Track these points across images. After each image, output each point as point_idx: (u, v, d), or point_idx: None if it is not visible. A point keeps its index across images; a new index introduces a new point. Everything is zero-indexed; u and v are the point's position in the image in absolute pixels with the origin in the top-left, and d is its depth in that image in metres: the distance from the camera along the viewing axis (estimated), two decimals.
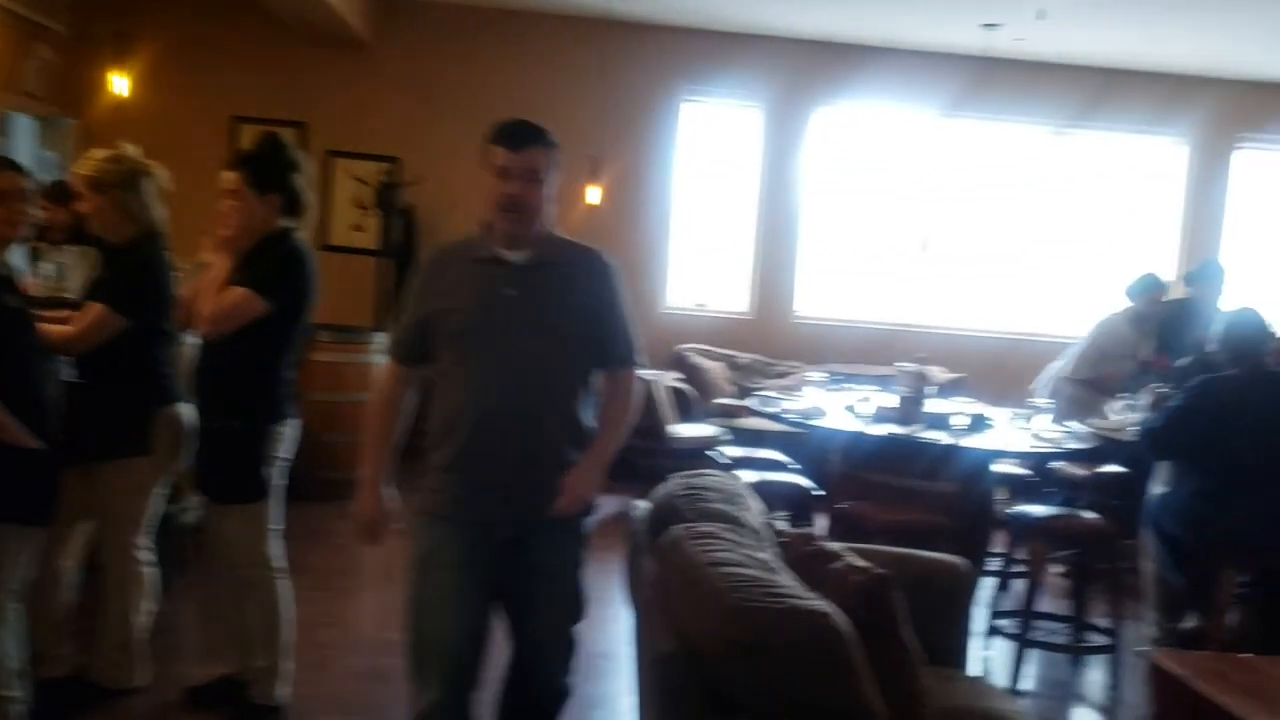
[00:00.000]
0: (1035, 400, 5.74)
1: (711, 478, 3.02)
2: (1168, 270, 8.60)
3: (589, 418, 2.82)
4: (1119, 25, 7.30)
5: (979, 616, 4.61)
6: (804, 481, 4.84)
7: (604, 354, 2.83)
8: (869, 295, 8.75)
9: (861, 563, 2.48)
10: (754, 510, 2.90)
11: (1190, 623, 4.58)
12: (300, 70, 7.96)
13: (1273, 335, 4.47)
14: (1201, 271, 6.57)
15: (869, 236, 8.75)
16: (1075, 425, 5.18)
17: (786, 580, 2.17)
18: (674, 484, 2.86)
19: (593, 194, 7.89)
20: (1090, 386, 6.18)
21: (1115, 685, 4.42)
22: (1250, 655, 3.01)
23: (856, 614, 2.21)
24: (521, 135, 2.67)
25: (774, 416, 5.01)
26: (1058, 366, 6.52)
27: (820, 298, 8.67)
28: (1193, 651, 3.71)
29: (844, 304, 8.70)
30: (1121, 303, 6.42)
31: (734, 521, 2.63)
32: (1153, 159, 8.87)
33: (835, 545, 2.76)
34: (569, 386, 2.77)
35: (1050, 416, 5.25)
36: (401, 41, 8.03)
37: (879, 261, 8.75)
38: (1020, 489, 5.54)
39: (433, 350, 2.78)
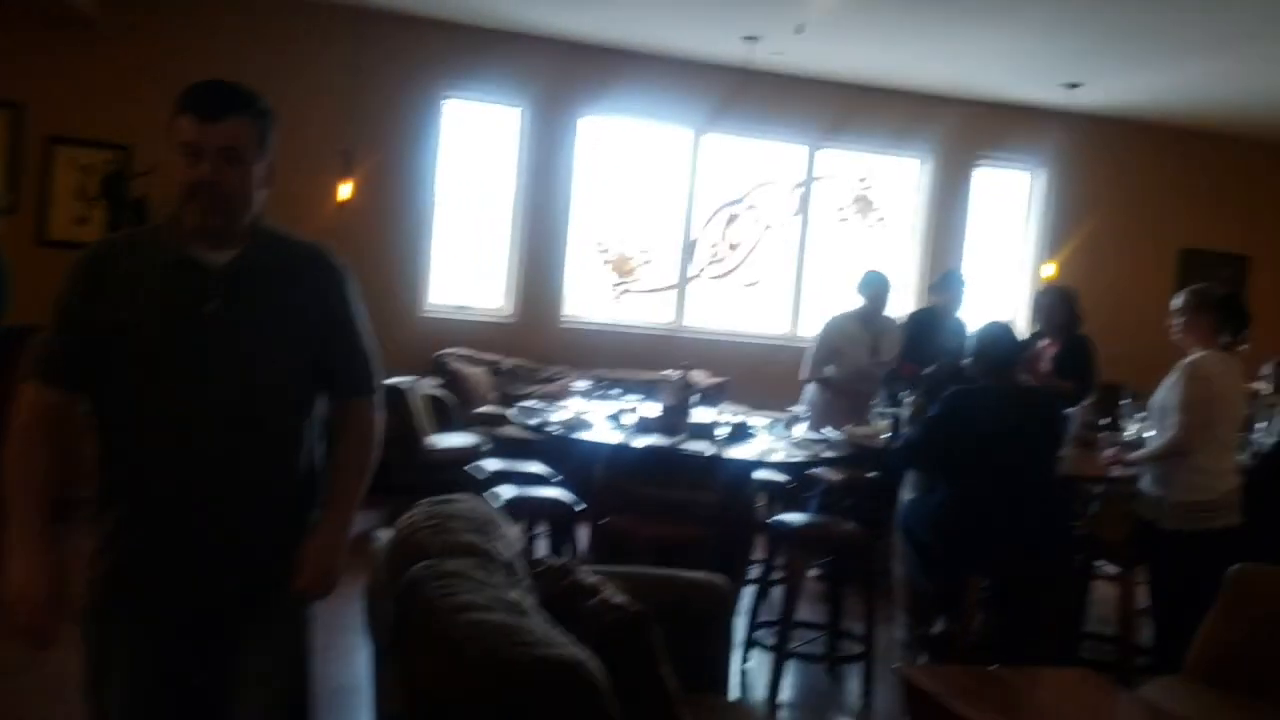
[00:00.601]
0: (794, 408, 5.81)
1: (461, 504, 2.80)
2: (910, 281, 9.04)
3: (317, 461, 2.30)
4: (871, 42, 7.55)
5: (739, 627, 4.62)
6: (566, 496, 4.68)
7: (335, 381, 2.28)
8: (637, 299, 8.73)
9: (618, 598, 2.33)
10: (508, 539, 2.70)
11: (939, 626, 4.72)
12: (16, 47, 7.16)
13: (1023, 349, 4.65)
14: (944, 282, 6.84)
15: (638, 242, 8.73)
16: (831, 432, 5.25)
17: (536, 625, 1.99)
18: (419, 512, 2.62)
19: (344, 190, 7.49)
20: (836, 391, 6.26)
21: (869, 693, 4.48)
22: (999, 668, 3.07)
23: (612, 655, 2.06)
24: (216, 102, 2.05)
25: (535, 429, 4.82)
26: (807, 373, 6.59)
27: (589, 301, 8.58)
28: (944, 666, 3.78)
29: (613, 308, 8.64)
30: (853, 301, 6.54)
31: (484, 555, 2.42)
32: (899, 173, 9.26)
33: (594, 576, 2.61)
34: (290, 424, 2.21)
35: (807, 424, 5.31)
36: (134, 21, 7.35)
37: (647, 266, 8.75)
38: (781, 496, 5.59)
39: (98, 375, 2.13)
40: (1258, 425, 5.30)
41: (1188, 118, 9.13)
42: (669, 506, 4.47)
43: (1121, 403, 5.76)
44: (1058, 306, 6.31)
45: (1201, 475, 4.36)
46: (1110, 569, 5.05)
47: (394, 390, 6.22)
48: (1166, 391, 4.46)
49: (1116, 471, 4.77)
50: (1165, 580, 4.51)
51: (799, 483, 5.51)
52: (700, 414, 5.07)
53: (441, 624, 1.95)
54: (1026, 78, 8.20)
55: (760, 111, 8.60)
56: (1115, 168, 9.44)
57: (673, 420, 4.80)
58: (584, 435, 4.63)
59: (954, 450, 4.38)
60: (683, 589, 3.23)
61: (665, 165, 8.68)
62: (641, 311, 8.69)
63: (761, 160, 8.92)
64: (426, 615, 2.01)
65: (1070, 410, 5.27)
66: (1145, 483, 4.54)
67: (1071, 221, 9.40)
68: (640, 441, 4.60)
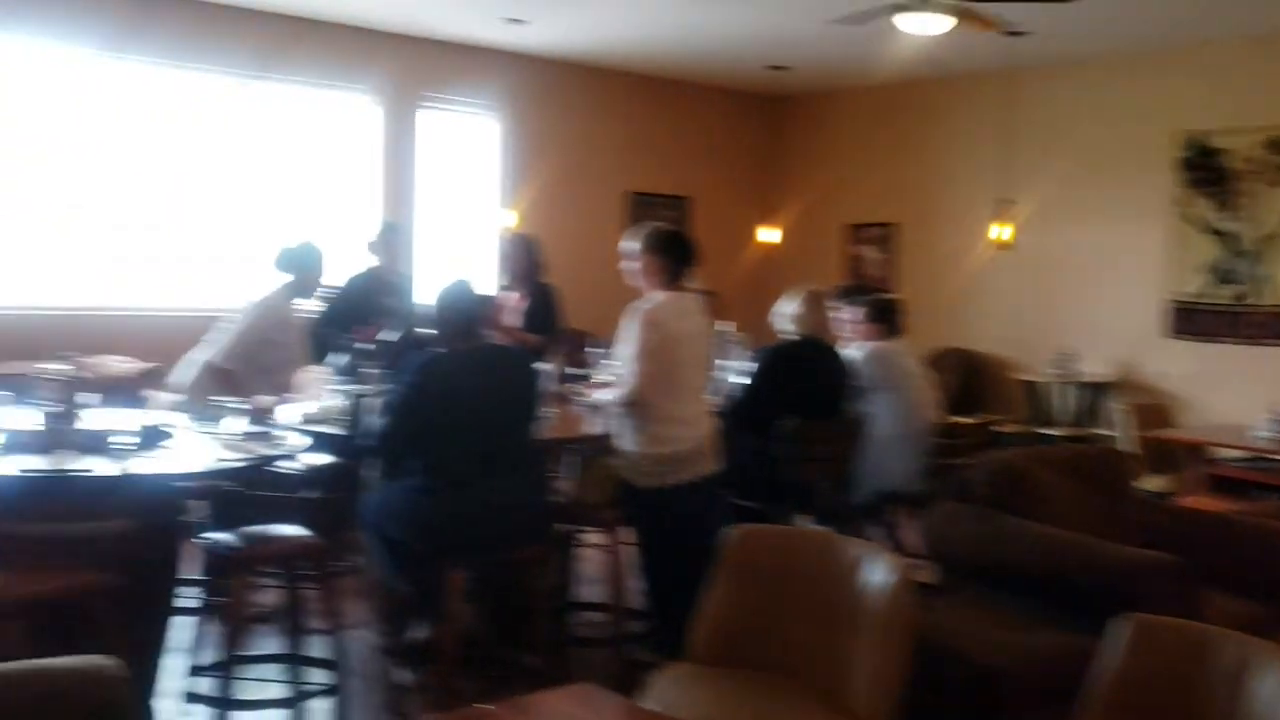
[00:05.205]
0: (161, 394, 4.83)
1: None
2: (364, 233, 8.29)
3: None
4: None
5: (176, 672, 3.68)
6: None
7: None
8: (18, 271, 7.11)
9: None
10: None
11: (419, 633, 4.10)
12: None
13: (486, 305, 4.10)
14: (383, 238, 6.18)
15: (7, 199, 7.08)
16: (280, 421, 4.36)
17: None
18: None
19: None
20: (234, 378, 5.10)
21: None
22: (494, 707, 2.47)
23: None
24: None
25: None
26: (203, 354, 5.33)
27: None
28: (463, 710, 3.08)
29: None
30: (276, 279, 5.13)
31: None
32: (345, 115, 8.41)
33: None
34: None
35: (248, 419, 4.35)
36: None
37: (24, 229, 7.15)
38: (230, 503, 4.59)
39: None
40: (726, 364, 5.22)
41: (627, 60, 9.22)
42: (53, 548, 3.37)
43: (589, 351, 5.48)
44: (519, 256, 5.92)
45: (670, 425, 4.10)
46: (594, 536, 4.73)
47: None
48: (625, 339, 4.15)
49: (596, 429, 4.41)
50: (650, 541, 4.24)
51: (248, 486, 4.55)
52: (101, 418, 3.94)
53: None
54: (467, 11, 7.70)
55: (173, 41, 7.33)
56: (564, 111, 9.34)
57: (56, 432, 3.65)
58: None
59: (429, 428, 3.76)
60: (46, 684, 2.27)
61: (51, 104, 7.12)
62: (34, 287, 7.11)
63: (179, 98, 7.62)
64: None
65: (544, 366, 4.84)
66: (618, 439, 4.21)
67: (527, 167, 9.15)
68: (5, 466, 3.41)
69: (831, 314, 5.23)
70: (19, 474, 3.35)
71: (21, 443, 3.61)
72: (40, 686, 2.25)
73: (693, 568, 3.40)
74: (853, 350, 5.23)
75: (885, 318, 5.33)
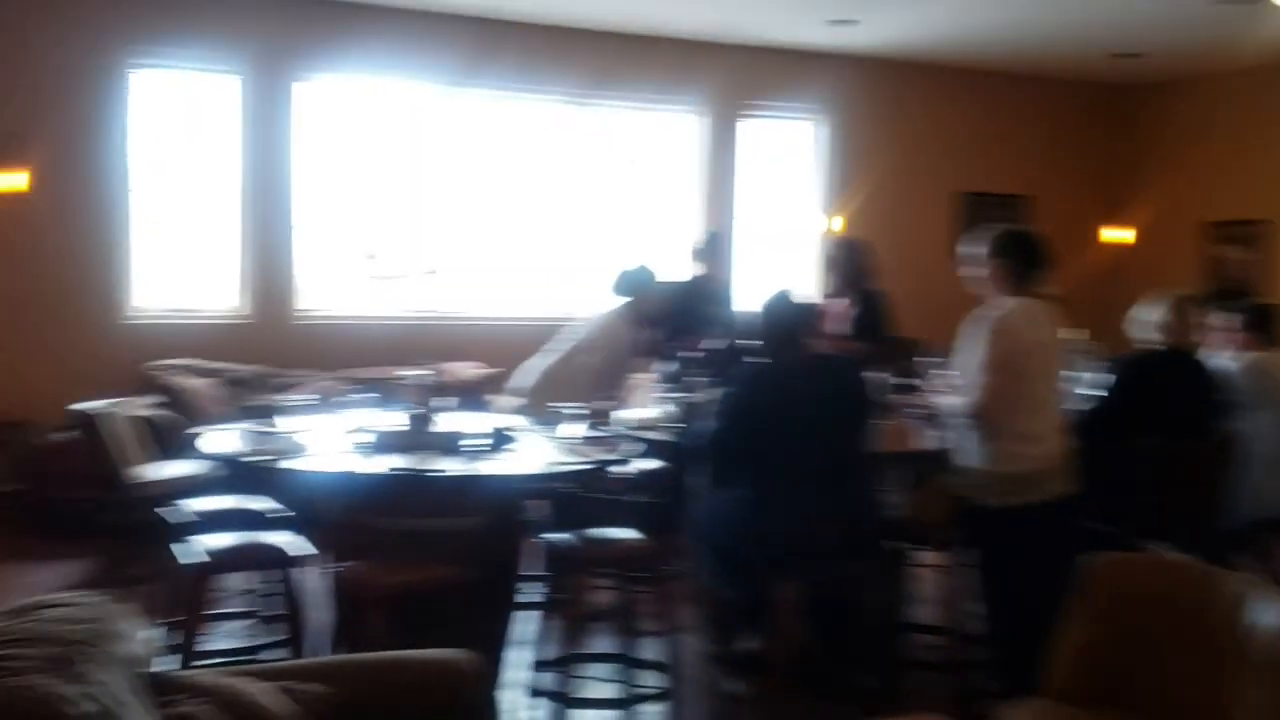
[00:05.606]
0: (501, 398, 5.00)
1: (58, 609, 1.94)
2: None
3: None
4: None
5: (520, 665, 3.86)
6: (290, 540, 3.75)
7: None
8: (386, 286, 7.76)
9: None
10: (119, 657, 1.84)
11: (749, 643, 4.06)
12: None
13: (808, 314, 4.00)
14: (708, 247, 6.25)
15: (378, 221, 7.74)
16: (614, 426, 4.48)
17: None
18: None
19: (15, 179, 6.22)
20: (572, 386, 5.09)
21: None
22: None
23: None
24: None
25: (226, 460, 3.84)
26: (542, 362, 5.41)
27: (329, 291, 7.55)
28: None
29: (357, 297, 7.64)
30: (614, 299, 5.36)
31: (51, 703, 1.56)
32: (671, 129, 8.59)
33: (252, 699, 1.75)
34: None
35: (585, 424, 4.49)
36: None
37: (393, 249, 7.80)
38: (567, 504, 4.77)
39: None
40: (1075, 376, 4.83)
41: (957, 54, 8.84)
42: (415, 543, 3.60)
43: (919, 360, 5.23)
44: (846, 260, 5.79)
45: (1019, 442, 3.81)
46: (929, 555, 4.51)
47: (83, 416, 5.08)
48: (970, 348, 3.90)
49: (929, 444, 4.20)
50: (995, 565, 3.97)
51: (584, 488, 4.69)
52: (452, 421, 4.18)
53: None
54: (793, 14, 7.64)
55: (513, 67, 7.76)
56: (890, 110, 9.08)
57: (417, 434, 3.91)
58: (298, 464, 3.66)
59: (755, 437, 3.72)
60: (413, 675, 2.40)
61: (408, 133, 7.73)
62: (396, 299, 7.73)
63: (518, 121, 8.07)
64: None
65: (877, 375, 4.67)
66: (959, 454, 3.97)
67: (852, 170, 8.97)
68: (375, 464, 3.69)
69: (1197, 321, 4.73)
70: (389, 472, 3.60)
71: (388, 443, 3.89)
72: (407, 677, 2.38)
73: (1041, 595, 3.16)
74: (1226, 361, 4.71)
75: (1265, 325, 4.76)
